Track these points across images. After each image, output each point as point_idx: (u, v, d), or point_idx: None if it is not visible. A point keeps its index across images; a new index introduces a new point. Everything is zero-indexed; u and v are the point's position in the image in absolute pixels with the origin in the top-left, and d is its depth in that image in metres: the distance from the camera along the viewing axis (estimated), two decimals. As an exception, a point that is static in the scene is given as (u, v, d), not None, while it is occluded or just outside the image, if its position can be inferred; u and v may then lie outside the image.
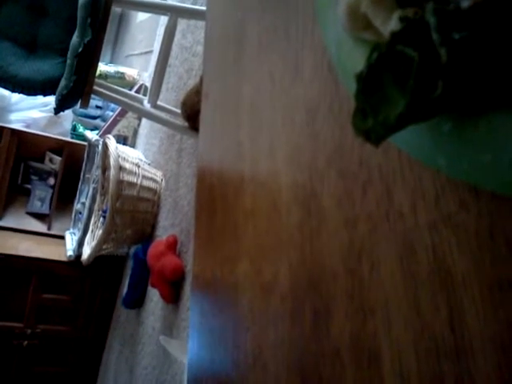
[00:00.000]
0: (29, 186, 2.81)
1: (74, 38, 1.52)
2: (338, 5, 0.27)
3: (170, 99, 2.33)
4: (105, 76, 2.88)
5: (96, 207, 2.39)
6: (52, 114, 2.51)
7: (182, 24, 2.35)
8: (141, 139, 3.01)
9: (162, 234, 2.07)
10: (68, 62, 1.51)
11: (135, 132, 3.16)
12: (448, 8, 0.18)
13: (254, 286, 0.38)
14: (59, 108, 1.58)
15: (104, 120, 3.28)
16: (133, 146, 2.98)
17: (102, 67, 2.92)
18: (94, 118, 3.42)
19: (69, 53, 1.52)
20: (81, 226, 2.42)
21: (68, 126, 3.12)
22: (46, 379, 2.51)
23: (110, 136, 2.26)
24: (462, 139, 0.20)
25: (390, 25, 0.22)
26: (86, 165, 2.65)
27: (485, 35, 0.17)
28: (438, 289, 0.24)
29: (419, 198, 0.26)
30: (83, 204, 2.55)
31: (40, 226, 2.72)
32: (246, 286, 0.39)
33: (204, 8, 1.50)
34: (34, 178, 2.85)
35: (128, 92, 2.06)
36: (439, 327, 0.24)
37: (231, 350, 0.38)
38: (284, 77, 0.42)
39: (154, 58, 2.43)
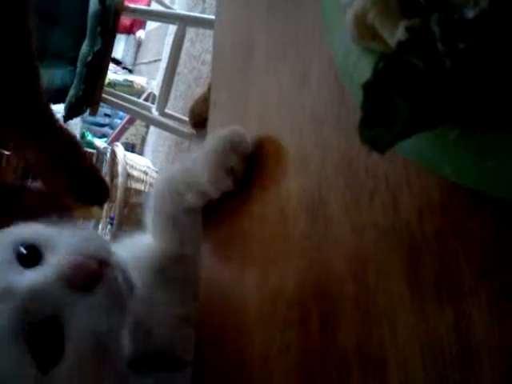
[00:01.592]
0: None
1: (84, 47, 1.54)
2: (345, 15, 0.27)
3: (178, 107, 2.35)
4: (113, 84, 2.91)
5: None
6: (61, 122, 2.54)
7: (191, 33, 2.37)
8: (149, 147, 3.03)
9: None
10: (77, 70, 1.53)
11: (143, 140, 3.18)
12: (453, 18, 0.18)
13: (260, 292, 0.38)
14: (68, 116, 1.59)
15: (112, 128, 3.30)
16: (141, 153, 3.00)
17: (111, 75, 2.95)
18: (103, 125, 3.44)
19: (78, 61, 1.54)
20: (89, 233, 2.43)
21: (77, 133, 3.15)
22: None
23: (118, 144, 2.28)
24: (468, 147, 0.20)
25: (396, 35, 0.23)
26: (94, 172, 2.66)
27: (490, 45, 0.18)
28: (444, 297, 0.24)
29: (425, 206, 0.26)
30: (91, 211, 2.56)
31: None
32: (253, 292, 0.39)
33: (212, 17, 1.52)
34: (42, 185, 2.87)
35: (136, 100, 2.07)
36: (446, 335, 0.24)
37: (237, 358, 0.38)
38: (291, 86, 0.42)
39: (162, 66, 2.45)
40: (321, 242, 0.33)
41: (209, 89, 1.62)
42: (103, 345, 0.36)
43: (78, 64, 1.54)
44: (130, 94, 2.16)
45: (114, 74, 3.08)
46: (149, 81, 3.10)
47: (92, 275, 0.36)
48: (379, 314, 0.28)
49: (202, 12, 2.40)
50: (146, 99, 2.74)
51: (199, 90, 2.13)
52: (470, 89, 0.18)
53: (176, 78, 1.95)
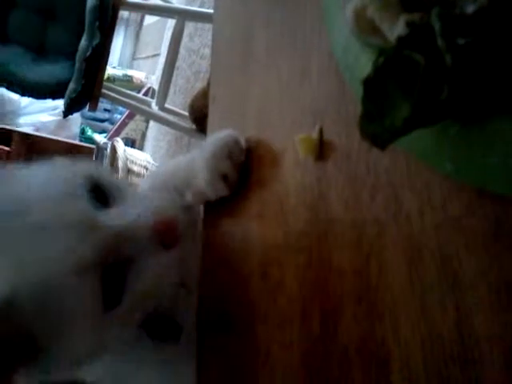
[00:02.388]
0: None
1: (83, 42, 1.53)
2: (344, 10, 0.27)
3: (178, 102, 2.34)
4: (113, 79, 2.90)
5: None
6: (61, 118, 2.53)
7: (190, 27, 2.35)
8: (149, 142, 3.02)
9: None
10: (76, 65, 1.52)
11: (143, 135, 3.18)
12: (453, 13, 0.18)
13: (261, 287, 0.38)
14: (68, 111, 1.59)
15: (112, 123, 3.29)
16: (141, 148, 2.99)
17: (110, 70, 2.94)
18: (103, 121, 3.44)
19: (77, 56, 1.53)
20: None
21: (77, 129, 3.14)
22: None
23: (118, 139, 2.27)
24: (468, 143, 0.20)
25: (396, 29, 0.23)
26: (94, 167, 2.66)
27: (489, 40, 0.18)
28: (445, 291, 0.24)
29: (426, 201, 0.26)
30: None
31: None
32: (254, 287, 0.39)
33: (211, 11, 1.51)
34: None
35: (136, 95, 2.07)
36: (447, 330, 0.24)
37: (240, 355, 0.38)
38: (291, 80, 0.42)
39: (161, 60, 2.44)
40: (321, 238, 0.33)
41: (208, 83, 1.62)
42: (158, 304, 0.38)
43: (77, 59, 1.53)
44: (130, 89, 2.15)
45: (113, 68, 3.06)
46: (148, 75, 3.09)
47: (177, 236, 0.37)
48: (381, 310, 0.28)
49: (201, 6, 2.39)
50: (146, 94, 2.74)
51: (198, 85, 2.13)
52: (470, 84, 0.18)
53: (175, 73, 1.95)
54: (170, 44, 1.76)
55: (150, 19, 3.32)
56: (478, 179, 0.21)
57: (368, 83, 0.21)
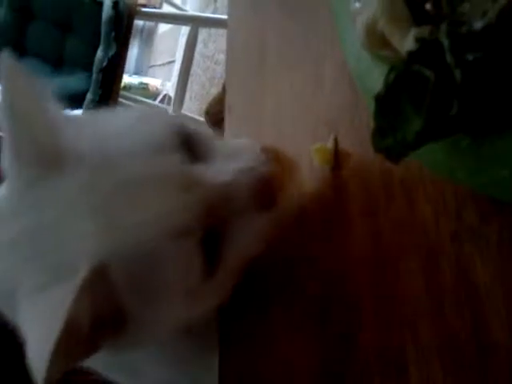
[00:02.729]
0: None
1: (99, 53, 1.55)
2: (355, 22, 0.27)
3: (194, 108, 2.36)
4: (129, 87, 2.93)
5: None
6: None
7: (203, 33, 2.37)
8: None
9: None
10: (93, 76, 1.55)
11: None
12: (461, 30, 0.19)
13: (280, 295, 0.38)
14: (86, 121, 1.61)
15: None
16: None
17: (126, 79, 2.97)
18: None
19: (94, 67, 1.56)
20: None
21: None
22: None
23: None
24: (479, 155, 0.20)
25: (406, 43, 0.23)
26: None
27: (498, 56, 0.18)
28: (462, 300, 0.25)
29: (441, 210, 0.26)
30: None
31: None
32: (273, 296, 0.39)
33: (225, 17, 1.52)
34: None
35: (152, 102, 2.09)
36: (464, 337, 0.24)
37: (260, 360, 0.39)
38: (305, 89, 0.42)
39: (176, 67, 2.46)
40: (339, 246, 0.34)
41: (223, 89, 1.63)
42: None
43: (94, 70, 1.56)
44: (146, 97, 2.18)
45: (128, 77, 3.10)
46: (163, 83, 3.11)
47: (276, 197, 0.34)
48: (399, 318, 0.28)
49: (214, 12, 2.41)
50: (162, 101, 2.76)
51: (214, 90, 2.14)
52: (480, 99, 0.19)
53: (190, 79, 1.96)
54: (185, 51, 1.78)
55: (164, 27, 3.35)
56: (490, 190, 0.21)
57: (380, 99, 0.21)
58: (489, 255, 0.24)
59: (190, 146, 0.34)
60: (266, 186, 0.33)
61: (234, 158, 0.34)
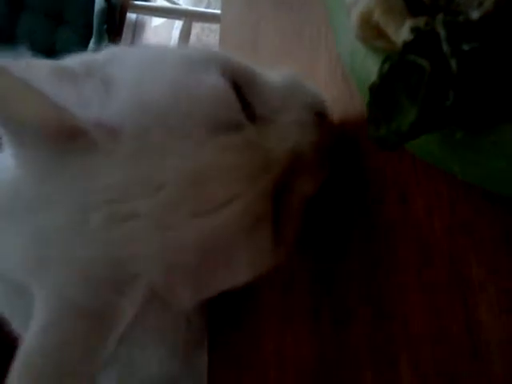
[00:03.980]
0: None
1: (91, 45, 1.54)
2: (350, 14, 0.27)
3: (186, 102, 2.34)
4: (121, 81, 2.91)
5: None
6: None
7: (197, 27, 2.36)
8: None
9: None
10: (85, 68, 1.53)
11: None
12: (458, 19, 0.18)
13: (271, 290, 0.38)
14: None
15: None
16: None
17: (119, 72, 2.95)
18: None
19: (86, 60, 1.54)
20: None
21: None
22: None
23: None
24: (474, 146, 0.20)
25: (401, 34, 0.23)
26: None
27: (495, 46, 0.18)
28: (454, 292, 0.25)
29: (435, 203, 0.26)
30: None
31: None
32: (263, 286, 0.39)
33: (218, 11, 1.51)
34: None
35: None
36: (456, 330, 0.24)
37: (251, 352, 0.39)
38: (299, 83, 0.42)
39: (169, 61, 2.44)
40: (329, 239, 0.33)
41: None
42: None
43: (86, 62, 1.55)
44: (138, 91, 2.16)
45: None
46: (156, 76, 3.09)
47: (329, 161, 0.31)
48: (390, 310, 0.28)
49: (208, 6, 2.39)
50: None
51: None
52: (476, 90, 0.18)
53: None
54: (178, 45, 1.77)
55: (157, 20, 3.33)
56: (485, 182, 0.21)
57: (374, 90, 0.21)
58: (482, 249, 0.24)
59: (239, 91, 0.29)
60: (325, 140, 0.30)
61: (290, 101, 0.30)
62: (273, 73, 0.34)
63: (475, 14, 0.18)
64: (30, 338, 0.24)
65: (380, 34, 0.25)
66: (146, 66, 0.29)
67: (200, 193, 0.26)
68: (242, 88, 0.29)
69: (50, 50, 1.65)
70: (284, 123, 0.29)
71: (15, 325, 0.33)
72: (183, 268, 0.26)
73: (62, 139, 0.26)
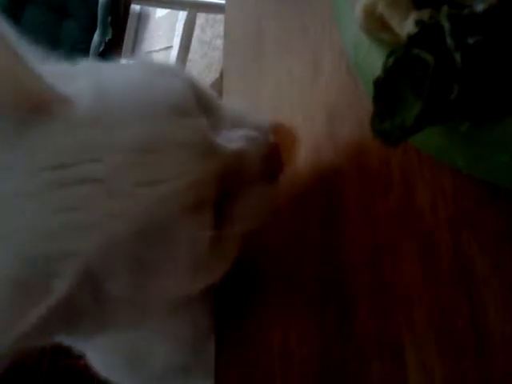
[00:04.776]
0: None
1: (95, 37, 1.54)
2: (354, 6, 0.27)
3: (191, 94, 2.34)
4: (126, 73, 2.90)
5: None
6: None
7: (201, 18, 2.35)
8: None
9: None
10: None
11: (157, 127, 3.18)
12: (462, 13, 0.18)
13: (277, 282, 0.38)
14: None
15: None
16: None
17: (123, 64, 2.94)
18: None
19: (90, 52, 1.54)
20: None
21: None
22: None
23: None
24: (479, 140, 0.20)
25: (406, 26, 0.23)
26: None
27: (499, 39, 0.18)
28: (458, 286, 0.25)
29: (439, 196, 0.26)
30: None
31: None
32: (269, 280, 0.39)
33: (222, 1, 1.50)
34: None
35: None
36: (461, 323, 0.24)
37: (257, 345, 0.39)
38: (303, 75, 0.42)
39: (173, 53, 2.44)
40: (336, 232, 0.34)
41: (221, 75, 1.61)
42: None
43: (90, 54, 1.55)
44: (143, 83, 2.16)
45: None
46: (161, 68, 3.09)
47: (282, 167, 0.33)
48: (395, 304, 0.28)
49: (212, -3, 2.38)
50: (159, 87, 2.74)
51: (212, 76, 2.13)
52: (480, 83, 0.18)
53: (188, 65, 1.95)
54: (182, 36, 1.77)
55: (161, 12, 3.32)
56: (489, 175, 0.21)
57: (379, 84, 0.21)
58: (486, 241, 0.24)
59: (199, 104, 0.30)
60: (274, 155, 0.32)
61: (240, 124, 0.32)
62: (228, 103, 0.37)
63: (480, 7, 0.18)
64: None
65: (384, 26, 0.25)
66: (112, 70, 0.32)
67: (149, 163, 0.26)
68: (199, 99, 0.31)
69: (55, 43, 1.65)
70: (233, 134, 0.31)
71: None
72: (121, 243, 0.26)
73: (22, 110, 0.26)
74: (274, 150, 0.32)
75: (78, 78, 0.30)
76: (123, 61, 0.33)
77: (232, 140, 0.30)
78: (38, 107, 0.26)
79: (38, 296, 0.24)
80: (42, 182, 0.26)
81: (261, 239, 0.42)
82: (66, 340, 0.31)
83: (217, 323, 0.43)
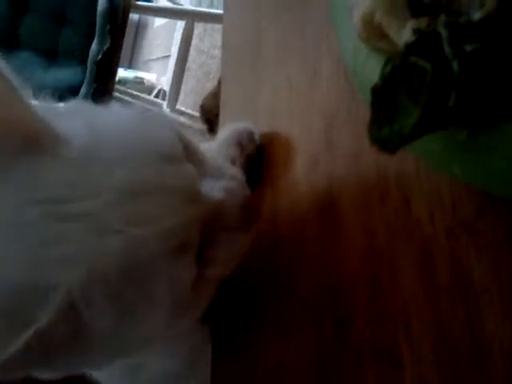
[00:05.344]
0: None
1: (94, 46, 1.54)
2: (352, 14, 0.27)
3: (189, 103, 2.35)
4: (124, 82, 2.91)
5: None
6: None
7: (199, 27, 2.36)
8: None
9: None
10: (88, 69, 1.54)
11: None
12: (459, 21, 0.18)
13: (273, 293, 0.38)
14: (80, 115, 1.60)
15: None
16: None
17: (121, 73, 2.95)
18: (115, 123, 3.45)
19: (88, 60, 1.55)
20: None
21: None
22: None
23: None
24: (476, 147, 0.20)
25: (404, 34, 0.23)
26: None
27: (496, 47, 0.18)
28: (457, 294, 0.24)
29: (436, 205, 0.26)
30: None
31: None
32: (267, 292, 0.39)
33: (220, 11, 1.51)
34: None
35: (147, 97, 2.08)
36: (459, 332, 0.24)
37: (253, 357, 0.39)
38: (301, 83, 0.42)
39: (171, 62, 2.45)
40: (334, 243, 0.33)
41: (218, 84, 1.62)
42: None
43: (89, 63, 1.55)
44: (141, 91, 2.17)
45: (124, 71, 3.08)
46: (159, 77, 3.10)
47: (256, 216, 0.35)
48: (393, 313, 0.28)
49: (210, 6, 2.40)
50: (157, 96, 2.75)
51: (209, 85, 2.13)
52: (477, 90, 0.18)
53: (186, 74, 1.96)
54: (180, 45, 1.77)
55: (159, 21, 3.33)
56: (486, 183, 0.21)
57: (376, 91, 0.21)
58: (484, 250, 0.23)
59: (187, 156, 0.32)
60: (249, 205, 0.34)
61: (220, 174, 0.35)
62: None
63: (477, 16, 0.18)
64: None
65: (382, 34, 0.25)
66: (106, 113, 0.33)
67: (138, 204, 0.27)
68: (185, 148, 0.32)
69: (53, 51, 1.65)
70: (215, 185, 0.33)
71: None
72: (105, 279, 0.26)
73: (14, 143, 0.27)
74: (249, 200, 0.34)
75: (71, 117, 0.31)
76: (116, 106, 0.34)
77: (214, 189, 0.32)
78: (31, 141, 0.27)
79: (20, 326, 0.24)
80: (31, 215, 0.26)
81: (258, 250, 0.42)
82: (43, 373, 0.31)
83: (213, 332, 0.43)
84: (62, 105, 0.35)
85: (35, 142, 0.27)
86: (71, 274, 0.25)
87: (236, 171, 0.37)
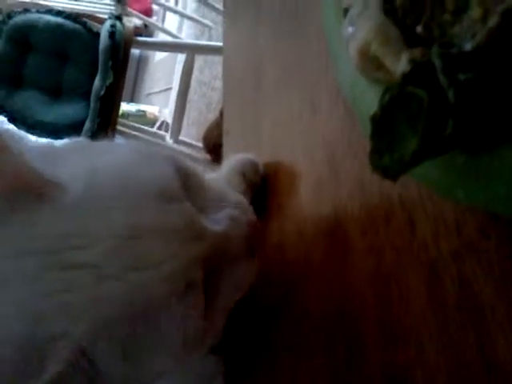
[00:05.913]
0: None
1: (96, 82, 1.57)
2: (348, 46, 0.28)
3: (192, 134, 2.38)
4: (127, 115, 2.95)
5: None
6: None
7: (199, 60, 2.41)
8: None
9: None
10: (91, 105, 1.56)
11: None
12: (452, 51, 0.19)
13: (284, 318, 0.38)
14: (85, 150, 1.62)
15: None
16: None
17: (124, 106, 2.99)
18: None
19: (92, 96, 1.57)
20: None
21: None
22: None
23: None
24: (476, 172, 0.21)
25: (400, 65, 0.23)
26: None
27: (489, 75, 0.18)
28: (466, 318, 0.25)
29: (441, 227, 0.27)
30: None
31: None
32: (276, 318, 0.39)
33: (220, 44, 1.54)
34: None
35: (150, 129, 2.11)
36: (470, 353, 0.24)
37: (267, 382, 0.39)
38: (301, 114, 0.43)
39: (173, 94, 2.49)
40: (341, 266, 0.34)
41: (220, 114, 1.64)
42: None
43: (92, 98, 1.58)
44: (144, 124, 2.20)
45: (126, 104, 3.12)
46: (161, 110, 3.14)
47: (259, 245, 0.35)
48: (404, 334, 0.28)
49: (209, 39, 2.45)
50: (160, 128, 2.78)
51: (211, 116, 2.16)
52: (474, 117, 0.19)
53: (188, 106, 1.98)
54: (182, 77, 1.80)
55: (160, 54, 3.39)
56: (488, 206, 0.22)
57: (375, 120, 0.22)
58: (491, 271, 0.24)
59: (186, 188, 0.32)
60: (254, 232, 0.34)
61: (222, 202, 0.35)
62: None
63: (468, 46, 0.19)
64: None
65: (378, 65, 0.26)
66: (103, 154, 0.33)
67: (137, 248, 0.27)
68: (186, 183, 0.32)
69: (57, 89, 1.68)
70: (218, 215, 0.33)
71: None
72: (110, 326, 0.26)
73: (10, 192, 0.27)
74: (254, 227, 0.35)
75: (70, 159, 0.31)
76: (116, 142, 0.34)
77: (217, 221, 0.32)
78: (27, 190, 0.27)
79: (28, 378, 0.24)
80: (31, 266, 0.26)
81: (266, 276, 0.42)
82: None
83: (225, 364, 0.42)
84: (63, 142, 0.35)
85: (33, 191, 0.27)
86: (76, 323, 0.26)
87: (241, 198, 0.37)
